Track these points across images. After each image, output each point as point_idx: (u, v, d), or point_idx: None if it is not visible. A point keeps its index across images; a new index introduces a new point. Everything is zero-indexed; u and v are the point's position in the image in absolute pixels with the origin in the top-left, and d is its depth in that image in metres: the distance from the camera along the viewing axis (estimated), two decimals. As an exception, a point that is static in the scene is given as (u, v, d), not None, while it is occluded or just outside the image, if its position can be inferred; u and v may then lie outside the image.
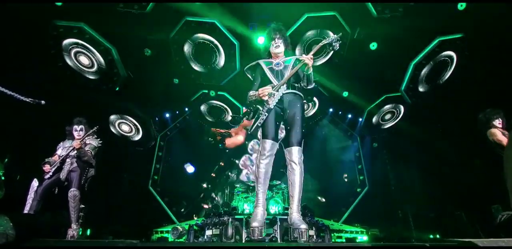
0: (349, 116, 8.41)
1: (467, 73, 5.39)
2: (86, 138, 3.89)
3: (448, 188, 5.75)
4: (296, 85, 2.74)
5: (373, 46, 5.93)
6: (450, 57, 5.59)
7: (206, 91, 7.53)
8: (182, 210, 7.76)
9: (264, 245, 1.89)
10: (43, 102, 2.02)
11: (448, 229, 5.63)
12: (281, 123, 2.66)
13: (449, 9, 4.85)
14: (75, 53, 5.60)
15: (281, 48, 2.86)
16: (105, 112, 6.87)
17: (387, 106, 7.39)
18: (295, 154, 2.46)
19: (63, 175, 3.69)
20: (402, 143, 7.23)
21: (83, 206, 3.70)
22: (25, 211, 3.49)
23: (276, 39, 2.86)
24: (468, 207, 5.20)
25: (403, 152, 7.18)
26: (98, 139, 4.08)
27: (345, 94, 7.48)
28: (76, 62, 5.69)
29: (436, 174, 6.14)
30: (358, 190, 8.04)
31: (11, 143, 4.93)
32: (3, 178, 4.19)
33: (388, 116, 7.60)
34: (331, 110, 8.50)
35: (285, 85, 2.63)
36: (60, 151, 3.90)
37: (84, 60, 5.70)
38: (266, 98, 2.55)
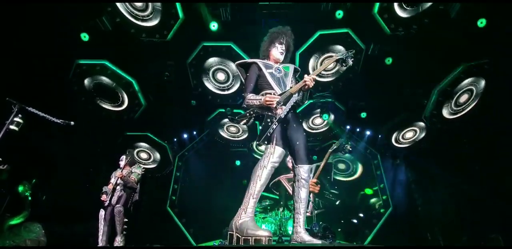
0: (368, 133, 8.24)
1: (496, 97, 4.99)
2: (132, 167, 4.66)
3: (482, 209, 5.37)
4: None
5: (388, 61, 5.88)
6: (477, 82, 5.18)
7: (223, 110, 7.67)
8: None
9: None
10: (72, 123, 2.14)
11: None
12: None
13: (469, 26, 4.64)
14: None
15: (284, 56, 2.75)
16: (124, 140, 7.11)
17: (408, 124, 7.12)
18: (307, 172, 2.44)
19: (114, 200, 4.40)
20: (426, 161, 6.92)
21: (126, 220, 4.33)
22: (99, 236, 4.24)
23: (284, 45, 2.74)
24: (505, 229, 4.80)
25: (428, 170, 6.86)
26: (142, 167, 4.78)
27: (363, 115, 7.40)
28: (99, 96, 5.94)
29: (467, 193, 5.78)
30: (382, 211, 7.66)
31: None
32: (30, 198, 4.37)
33: (409, 135, 7.33)
34: (348, 127, 8.38)
35: (296, 95, 2.46)
36: (113, 179, 4.61)
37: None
38: (273, 106, 2.37)
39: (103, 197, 4.45)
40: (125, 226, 4.31)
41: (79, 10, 4.84)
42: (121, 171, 4.46)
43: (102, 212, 4.39)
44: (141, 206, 7.19)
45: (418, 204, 7.06)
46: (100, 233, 4.27)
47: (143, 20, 5.21)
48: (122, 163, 4.67)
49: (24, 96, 2.44)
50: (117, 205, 4.30)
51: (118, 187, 4.48)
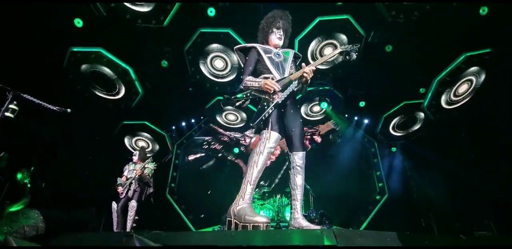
0: (366, 121, 8.25)
1: (495, 87, 4.91)
2: (144, 162, 4.95)
3: (475, 196, 5.47)
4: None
5: (388, 48, 5.77)
6: (478, 73, 5.08)
7: (221, 98, 7.62)
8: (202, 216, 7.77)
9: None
10: (69, 110, 2.11)
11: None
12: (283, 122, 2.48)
13: (471, 15, 4.49)
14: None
15: (282, 41, 2.71)
16: (122, 129, 7.09)
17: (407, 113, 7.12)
18: (302, 159, 2.44)
19: (130, 193, 4.70)
20: (423, 149, 6.99)
21: (137, 217, 4.59)
22: (114, 227, 4.50)
23: (281, 30, 2.69)
24: (498, 216, 4.91)
25: (424, 158, 6.92)
26: (154, 163, 5.11)
27: (362, 104, 7.38)
28: (95, 85, 5.84)
29: (462, 181, 5.86)
30: (378, 197, 7.80)
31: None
32: (29, 185, 4.39)
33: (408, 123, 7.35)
34: (346, 115, 8.38)
35: (296, 82, 2.44)
36: (127, 172, 4.92)
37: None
38: (271, 91, 2.35)
39: (119, 189, 4.68)
40: (134, 225, 4.52)
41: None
42: (135, 166, 4.84)
43: (114, 205, 4.62)
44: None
45: (413, 190, 7.18)
46: (115, 224, 4.55)
47: (138, 5, 5.05)
48: (135, 158, 5.01)
49: (18, 83, 2.39)
50: (132, 201, 4.58)
51: (133, 181, 4.78)
